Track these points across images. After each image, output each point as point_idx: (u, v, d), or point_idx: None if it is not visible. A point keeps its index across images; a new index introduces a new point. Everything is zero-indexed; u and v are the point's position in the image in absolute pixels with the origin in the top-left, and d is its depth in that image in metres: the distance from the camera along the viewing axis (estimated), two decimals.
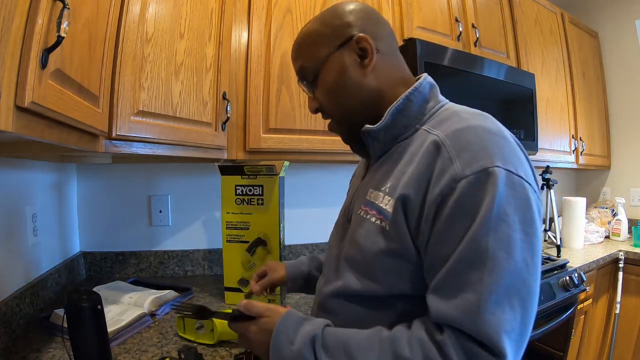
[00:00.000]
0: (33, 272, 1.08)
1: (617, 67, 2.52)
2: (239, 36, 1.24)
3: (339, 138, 0.75)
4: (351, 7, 0.68)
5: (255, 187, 1.15)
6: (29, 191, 1.09)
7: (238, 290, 1.18)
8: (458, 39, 1.66)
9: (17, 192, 1.02)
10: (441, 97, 0.68)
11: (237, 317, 0.67)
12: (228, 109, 1.17)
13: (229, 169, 1.17)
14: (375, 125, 0.65)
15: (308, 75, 0.69)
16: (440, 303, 0.51)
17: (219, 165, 1.19)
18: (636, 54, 2.42)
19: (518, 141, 0.58)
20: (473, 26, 1.72)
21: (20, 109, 0.50)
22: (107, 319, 0.76)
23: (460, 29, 1.66)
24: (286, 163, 1.18)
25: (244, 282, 1.17)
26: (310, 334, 0.57)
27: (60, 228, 1.28)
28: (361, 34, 0.65)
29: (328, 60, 0.66)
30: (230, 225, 1.17)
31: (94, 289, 1.10)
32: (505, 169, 0.51)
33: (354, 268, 0.64)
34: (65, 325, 0.71)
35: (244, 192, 1.16)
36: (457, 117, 0.60)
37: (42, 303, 1.08)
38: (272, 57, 1.27)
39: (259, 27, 1.26)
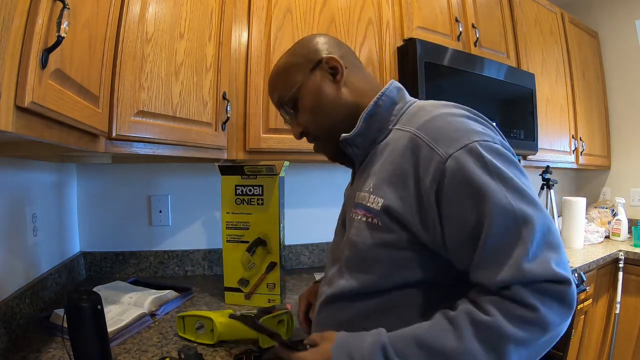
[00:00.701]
0: (33, 272, 1.08)
1: (617, 67, 2.52)
2: (239, 36, 1.24)
3: None
4: (315, 38, 0.76)
5: (255, 187, 1.15)
6: (29, 191, 1.09)
7: (238, 290, 1.18)
8: (458, 39, 1.66)
9: (17, 192, 1.02)
10: (409, 98, 0.74)
11: (287, 345, 0.66)
12: (228, 109, 1.17)
13: (229, 169, 1.17)
14: (350, 133, 0.69)
15: (287, 103, 0.74)
16: (493, 273, 0.53)
17: (219, 165, 1.19)
18: (636, 54, 2.42)
19: (481, 116, 0.64)
20: (473, 26, 1.72)
21: (20, 109, 0.50)
22: (107, 319, 0.76)
23: (460, 29, 1.66)
24: (286, 163, 1.18)
25: (244, 282, 1.17)
26: (378, 346, 0.57)
27: (60, 228, 1.28)
28: (329, 55, 0.72)
29: (304, 84, 0.72)
30: (230, 225, 1.17)
31: (94, 289, 1.10)
32: (481, 140, 0.57)
33: (352, 267, 0.67)
34: (65, 325, 0.71)
35: (244, 192, 1.16)
36: (423, 111, 0.66)
37: (42, 303, 1.08)
38: (272, 57, 1.27)
39: (259, 27, 1.26)
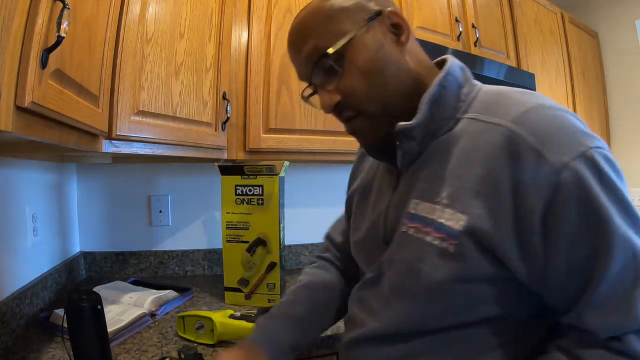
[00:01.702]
0: (33, 272, 1.08)
1: (617, 66, 2.52)
2: (239, 36, 1.24)
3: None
4: None
5: (255, 187, 1.15)
6: (29, 191, 1.09)
7: (238, 290, 1.18)
8: (458, 39, 1.66)
9: (17, 192, 1.02)
10: (475, 81, 0.58)
11: None
12: (228, 109, 1.17)
13: (229, 169, 1.17)
14: (411, 121, 0.52)
15: (327, 57, 0.53)
16: (607, 316, 0.44)
17: (219, 165, 1.19)
18: (636, 54, 2.42)
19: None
20: (473, 26, 1.72)
21: (20, 109, 0.50)
22: (107, 319, 0.76)
23: (460, 29, 1.66)
24: (286, 163, 1.18)
25: (244, 282, 1.17)
26: None
27: (60, 228, 1.28)
28: (391, 9, 0.55)
29: (357, 38, 0.53)
30: (230, 225, 1.17)
31: (94, 289, 1.09)
32: (597, 147, 0.44)
33: (405, 299, 0.54)
34: (65, 325, 0.71)
35: (244, 192, 1.16)
36: (506, 98, 0.51)
37: (42, 303, 1.08)
38: (272, 57, 1.27)
39: (259, 27, 1.26)
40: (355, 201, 0.72)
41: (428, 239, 0.50)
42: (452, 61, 0.56)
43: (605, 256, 0.42)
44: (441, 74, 0.54)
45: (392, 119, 0.54)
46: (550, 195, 0.43)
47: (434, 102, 0.53)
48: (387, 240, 0.58)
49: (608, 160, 0.45)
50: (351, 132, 0.59)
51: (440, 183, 0.51)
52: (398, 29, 0.55)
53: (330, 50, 0.53)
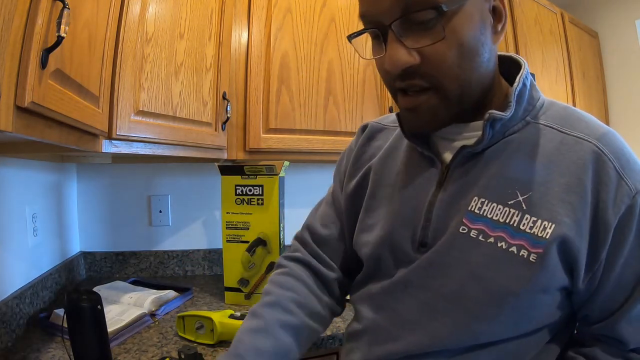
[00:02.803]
0: (33, 272, 1.08)
1: (617, 67, 2.52)
2: (239, 36, 1.24)
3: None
4: None
5: (255, 187, 1.15)
6: (29, 191, 1.09)
7: (238, 290, 1.18)
8: None
9: (17, 192, 1.02)
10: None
11: None
12: (228, 109, 1.17)
13: (229, 169, 1.17)
14: (505, 113, 0.48)
15: (435, 11, 0.43)
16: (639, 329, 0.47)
17: (219, 165, 1.19)
18: (636, 54, 2.42)
19: None
20: None
21: (20, 109, 0.50)
22: (107, 319, 0.76)
23: None
24: (286, 163, 1.18)
25: (244, 282, 1.17)
26: None
27: (60, 228, 1.28)
28: None
29: (469, 4, 0.45)
30: (230, 225, 1.17)
31: (94, 289, 1.09)
32: None
33: (460, 309, 0.49)
34: (65, 325, 0.71)
35: (244, 192, 1.16)
36: (580, 115, 0.52)
37: (42, 303, 1.08)
38: (272, 57, 1.27)
39: (259, 27, 1.26)
40: (368, 194, 0.63)
41: (501, 244, 0.47)
42: (524, 61, 0.53)
43: None
44: (523, 72, 0.51)
45: (462, 105, 0.49)
46: (623, 214, 0.45)
47: (519, 97, 0.50)
48: (426, 240, 0.53)
49: None
50: (410, 106, 0.49)
51: (517, 185, 0.48)
52: (499, 14, 0.49)
53: (445, 7, 0.43)
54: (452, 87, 0.47)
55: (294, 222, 1.60)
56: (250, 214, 1.16)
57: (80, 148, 0.72)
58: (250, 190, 1.16)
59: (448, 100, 0.48)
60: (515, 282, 0.46)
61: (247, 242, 1.16)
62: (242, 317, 0.91)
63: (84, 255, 1.41)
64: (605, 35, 2.56)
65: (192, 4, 1.05)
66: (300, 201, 1.65)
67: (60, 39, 0.53)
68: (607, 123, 2.55)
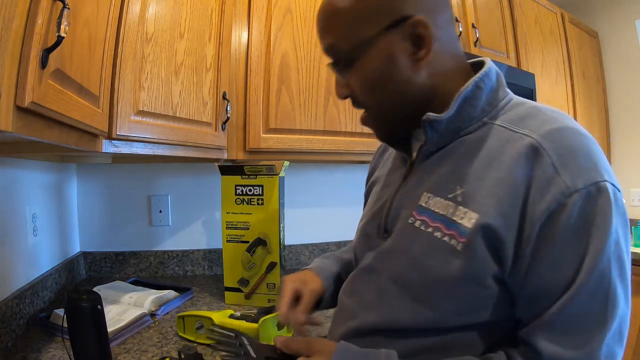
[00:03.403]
0: (33, 272, 1.08)
1: (617, 67, 2.52)
2: (239, 36, 1.24)
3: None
4: None
5: (255, 187, 1.15)
6: (29, 191, 1.09)
7: (238, 290, 1.18)
8: (458, 39, 1.66)
9: (17, 192, 1.02)
10: (508, 89, 0.58)
11: (275, 358, 0.56)
12: (228, 109, 1.17)
13: (229, 169, 1.17)
14: (442, 115, 0.52)
15: (341, 57, 0.55)
16: (557, 342, 0.45)
17: (219, 165, 1.19)
18: (636, 54, 2.42)
19: None
20: (473, 26, 1.72)
21: (20, 109, 0.50)
22: (107, 319, 0.76)
23: (460, 29, 1.66)
24: (286, 163, 1.18)
25: (244, 282, 1.17)
26: None
27: (60, 228, 1.28)
28: (420, 17, 0.50)
29: (371, 45, 0.52)
30: (230, 225, 1.17)
31: (94, 289, 1.09)
32: (611, 184, 0.46)
33: (405, 293, 0.53)
34: (65, 325, 0.71)
35: (244, 192, 1.16)
36: (542, 114, 0.51)
37: (42, 303, 1.08)
38: (272, 57, 1.27)
39: (259, 27, 1.26)
40: (372, 192, 0.72)
41: (437, 234, 0.51)
42: (490, 64, 0.56)
43: (578, 285, 0.44)
44: (478, 74, 0.54)
45: (394, 123, 0.57)
46: (553, 212, 0.45)
47: (466, 100, 0.53)
48: (387, 229, 0.58)
49: (616, 199, 0.46)
50: (362, 122, 0.60)
51: (458, 181, 0.51)
52: (420, 39, 0.51)
53: (343, 53, 0.54)
54: (375, 110, 0.57)
55: (294, 222, 1.61)
56: (250, 214, 1.16)
57: (80, 148, 0.72)
58: (250, 190, 1.16)
59: (378, 118, 0.58)
60: (447, 270, 0.49)
61: (247, 242, 1.16)
62: (242, 317, 0.91)
63: (84, 255, 1.41)
64: (605, 35, 2.56)
65: (192, 4, 1.05)
66: (300, 201, 1.66)
67: (60, 39, 0.53)
68: (607, 123, 2.56)
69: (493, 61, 0.58)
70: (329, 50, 0.57)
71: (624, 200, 0.45)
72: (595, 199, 0.44)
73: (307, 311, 0.67)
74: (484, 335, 0.51)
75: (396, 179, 0.62)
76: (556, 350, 0.44)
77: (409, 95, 0.54)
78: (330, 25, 0.55)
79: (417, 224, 0.53)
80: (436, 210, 0.52)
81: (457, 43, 0.58)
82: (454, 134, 0.55)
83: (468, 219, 0.48)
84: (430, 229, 0.52)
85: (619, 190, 0.47)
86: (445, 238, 0.50)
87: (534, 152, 0.47)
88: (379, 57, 0.53)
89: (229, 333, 0.63)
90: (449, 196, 0.51)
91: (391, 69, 0.53)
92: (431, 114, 0.53)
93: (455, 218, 0.50)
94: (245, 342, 0.59)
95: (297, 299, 0.68)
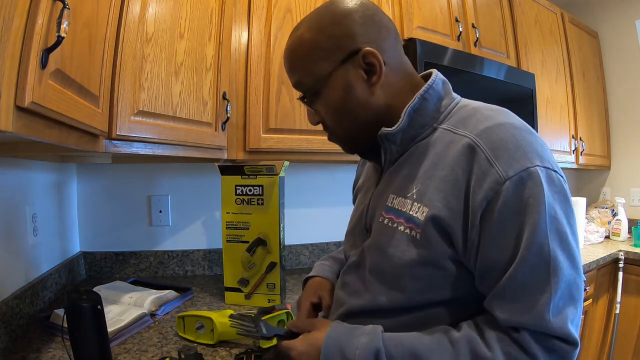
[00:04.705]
0: (33, 272, 1.08)
1: (617, 67, 2.52)
2: (239, 36, 1.24)
3: None
4: (350, 7, 0.61)
5: (255, 187, 1.15)
6: (29, 191, 1.09)
7: (238, 290, 1.18)
8: (458, 39, 1.66)
9: (17, 192, 1.02)
10: (454, 94, 0.66)
11: (282, 337, 0.65)
12: (228, 109, 1.17)
13: (229, 169, 1.17)
14: (393, 128, 0.61)
15: (307, 91, 0.65)
16: (509, 309, 0.52)
17: (219, 165, 1.19)
18: (636, 54, 2.42)
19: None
20: (473, 26, 1.72)
21: (20, 109, 0.50)
22: (107, 319, 0.76)
23: (460, 29, 1.66)
24: (286, 163, 1.18)
25: (244, 282, 1.17)
26: (371, 348, 0.55)
27: (60, 228, 1.28)
28: (368, 48, 0.59)
29: (330, 78, 0.61)
30: (230, 225, 1.17)
31: (94, 289, 1.09)
32: (543, 167, 0.52)
33: (381, 280, 0.62)
34: (65, 325, 0.71)
35: (244, 192, 1.16)
36: (479, 114, 0.58)
37: (42, 303, 1.08)
38: (272, 57, 1.27)
39: (259, 27, 1.26)
40: (357, 199, 0.81)
41: (400, 228, 0.59)
42: (436, 76, 0.64)
43: (519, 259, 0.51)
44: (423, 88, 0.62)
45: (358, 140, 0.66)
46: (491, 199, 0.51)
47: (414, 111, 0.61)
48: (368, 229, 0.68)
49: (550, 178, 0.52)
50: (329, 140, 0.71)
51: (413, 181, 0.60)
52: (371, 67, 0.60)
53: (309, 88, 0.64)
54: (341, 134, 0.67)
55: (294, 222, 1.61)
56: (250, 214, 1.16)
57: (80, 148, 0.72)
58: (250, 190, 1.16)
59: (343, 139, 0.68)
60: (408, 256, 0.58)
61: (247, 242, 1.16)
62: (242, 317, 0.91)
63: (84, 255, 1.41)
64: (605, 35, 2.56)
65: (192, 4, 1.06)
66: (300, 201, 1.66)
67: (60, 39, 0.53)
68: (607, 123, 2.56)
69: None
70: (297, 86, 0.66)
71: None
72: (526, 183, 0.51)
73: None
74: (453, 310, 0.59)
75: (371, 184, 0.72)
76: (509, 316, 0.52)
77: (368, 116, 0.63)
78: (294, 65, 0.65)
79: (386, 221, 0.62)
80: (399, 208, 0.61)
81: (405, 61, 0.65)
82: (410, 141, 0.63)
83: (421, 213, 0.57)
84: (395, 225, 0.60)
85: (555, 171, 0.53)
86: (407, 230, 0.58)
87: (471, 150, 0.54)
88: (338, 87, 0.62)
89: (249, 315, 0.72)
90: (408, 195, 0.60)
91: (351, 95, 0.62)
92: (385, 129, 0.61)
93: (412, 213, 0.58)
94: (261, 324, 0.70)
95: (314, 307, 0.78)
